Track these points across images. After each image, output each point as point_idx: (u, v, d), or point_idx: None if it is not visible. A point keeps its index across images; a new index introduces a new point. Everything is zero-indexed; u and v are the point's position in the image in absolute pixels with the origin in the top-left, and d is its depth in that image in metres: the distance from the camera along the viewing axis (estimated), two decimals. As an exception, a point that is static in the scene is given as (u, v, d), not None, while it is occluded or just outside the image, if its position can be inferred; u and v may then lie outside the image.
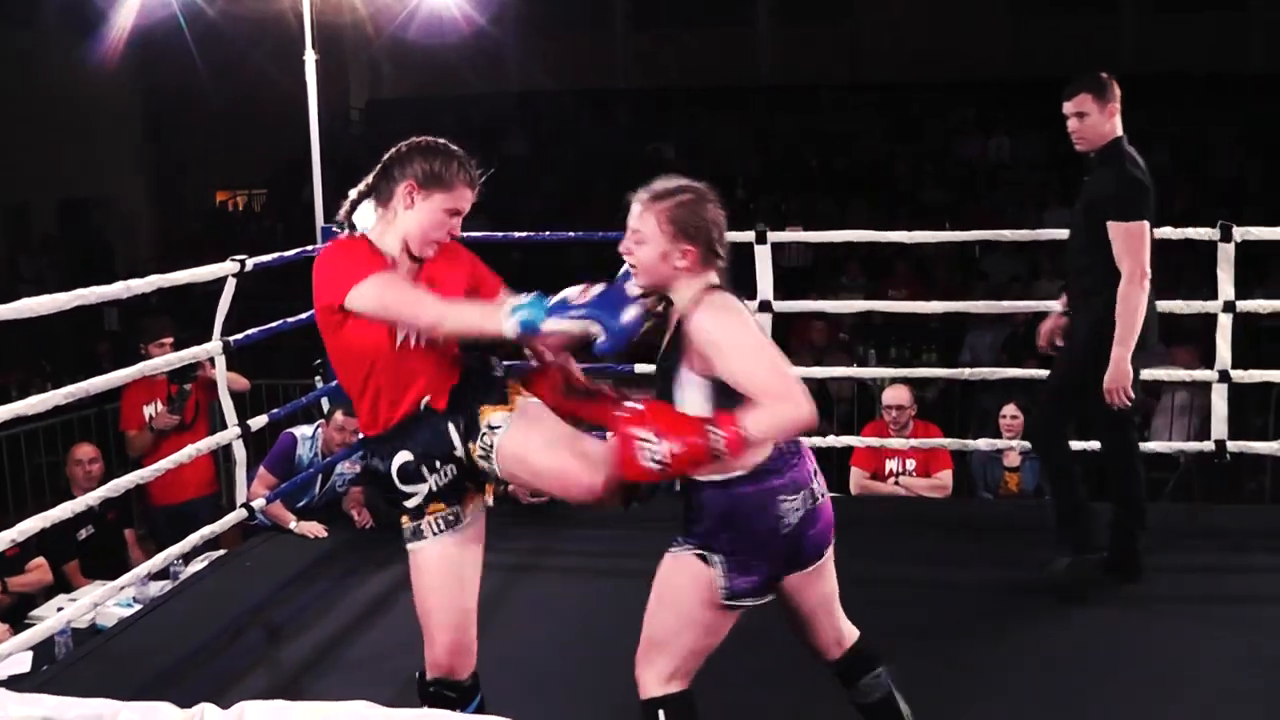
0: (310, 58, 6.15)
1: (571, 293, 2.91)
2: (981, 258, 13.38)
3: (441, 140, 3.21)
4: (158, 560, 4.99)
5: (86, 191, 19.18)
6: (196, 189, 20.87)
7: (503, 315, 2.89)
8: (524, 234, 6.81)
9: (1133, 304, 4.50)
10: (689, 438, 2.77)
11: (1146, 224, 4.52)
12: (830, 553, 3.13)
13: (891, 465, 6.56)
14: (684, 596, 3.04)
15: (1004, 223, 8.20)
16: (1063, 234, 7.10)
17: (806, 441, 3.18)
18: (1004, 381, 6.42)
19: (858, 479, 6.56)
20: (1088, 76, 4.71)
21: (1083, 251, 4.72)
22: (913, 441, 6.26)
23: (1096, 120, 4.64)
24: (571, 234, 6.87)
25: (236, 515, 5.42)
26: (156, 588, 5.31)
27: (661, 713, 3.06)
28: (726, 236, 3.05)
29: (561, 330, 2.90)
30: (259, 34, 13.93)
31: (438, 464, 3.12)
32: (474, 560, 3.26)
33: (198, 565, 5.53)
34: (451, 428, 3.11)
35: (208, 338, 5.35)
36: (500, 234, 6.91)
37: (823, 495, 3.05)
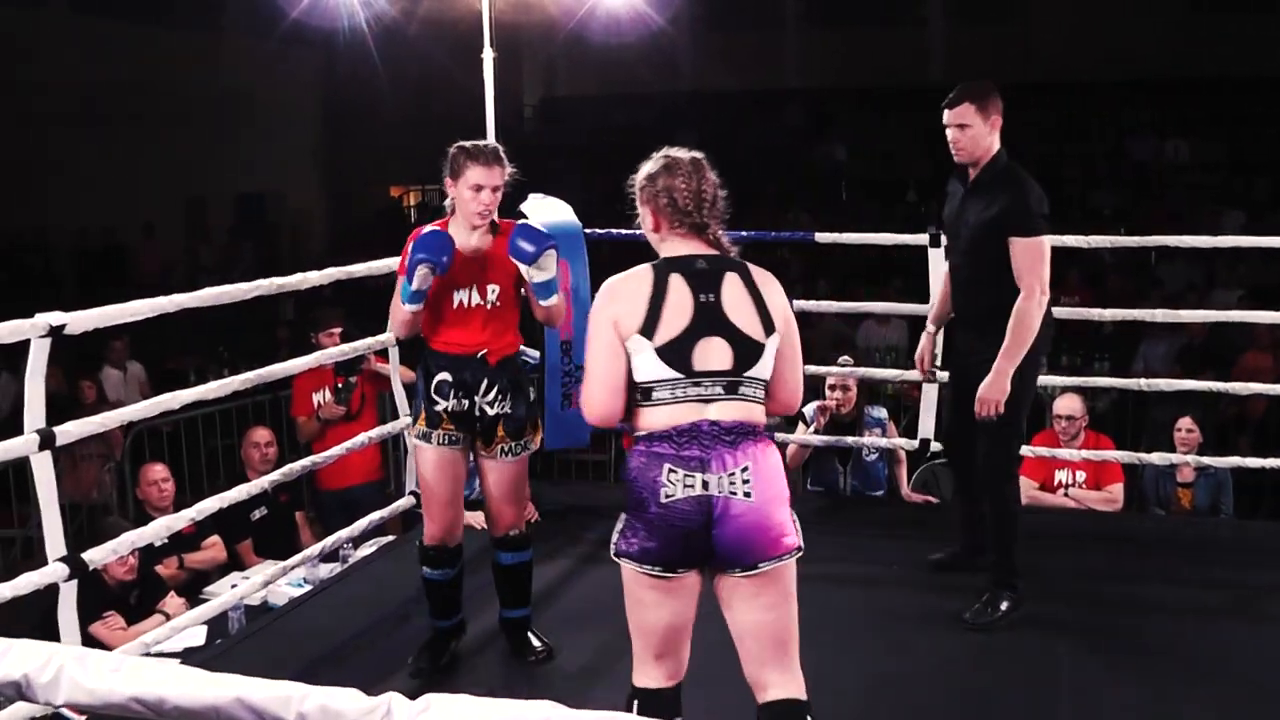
0: (489, 56, 6.23)
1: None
2: (1157, 264, 13.03)
3: (467, 141, 4.12)
4: (328, 543, 5.12)
5: (263, 186, 19.74)
6: (370, 185, 21.32)
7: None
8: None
9: (1028, 321, 4.45)
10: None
11: (1047, 240, 4.50)
12: (771, 582, 3.07)
13: (1061, 476, 6.42)
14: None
15: (1181, 228, 7.89)
16: (1246, 241, 6.89)
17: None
18: (1179, 393, 6.24)
19: (1026, 489, 6.42)
20: (970, 85, 4.56)
21: (975, 271, 4.63)
22: (1084, 453, 6.11)
23: (979, 132, 4.51)
24: (744, 233, 6.84)
25: (405, 501, 5.54)
26: (326, 570, 5.46)
27: (635, 703, 3.16)
28: (690, 205, 3.15)
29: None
30: (436, 32, 14.20)
31: (460, 394, 4.10)
32: (462, 471, 4.22)
33: (367, 550, 5.66)
34: (486, 382, 4.11)
35: (380, 330, 5.46)
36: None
37: (744, 496, 2.96)
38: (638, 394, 3.04)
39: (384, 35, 13.89)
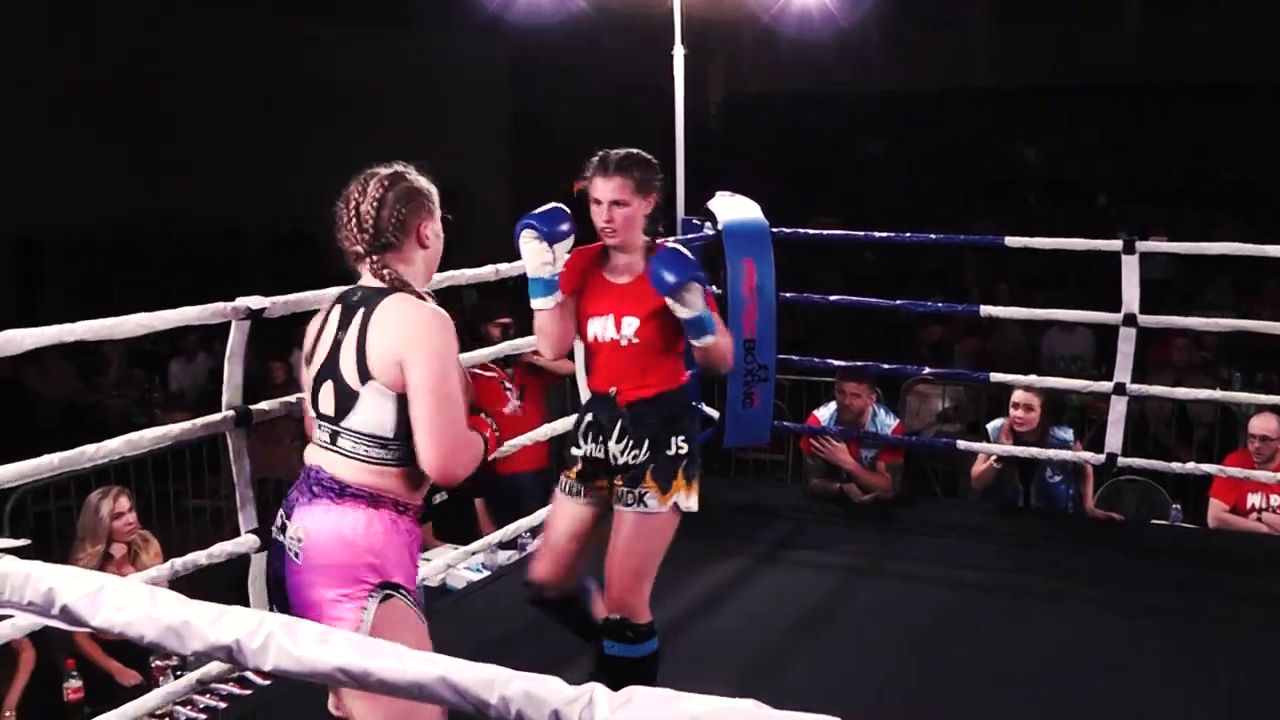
0: (679, 52, 6.25)
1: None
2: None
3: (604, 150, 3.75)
4: (508, 530, 5.20)
5: (452, 180, 20.09)
6: (555, 179, 21.50)
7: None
8: (885, 234, 6.71)
9: None
10: None
11: None
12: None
13: (1254, 500, 6.15)
14: None
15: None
16: None
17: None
18: (1386, 418, 5.95)
19: (1216, 511, 6.20)
20: None
21: None
22: (1280, 475, 5.88)
23: None
24: (932, 235, 6.78)
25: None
26: (504, 556, 5.53)
27: None
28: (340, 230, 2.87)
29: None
30: (625, 25, 14.29)
31: (598, 438, 3.67)
32: (579, 524, 3.75)
33: (544, 539, 5.73)
34: (619, 426, 3.64)
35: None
36: (861, 233, 6.85)
37: (294, 556, 2.69)
38: None
39: (573, 30, 14.05)
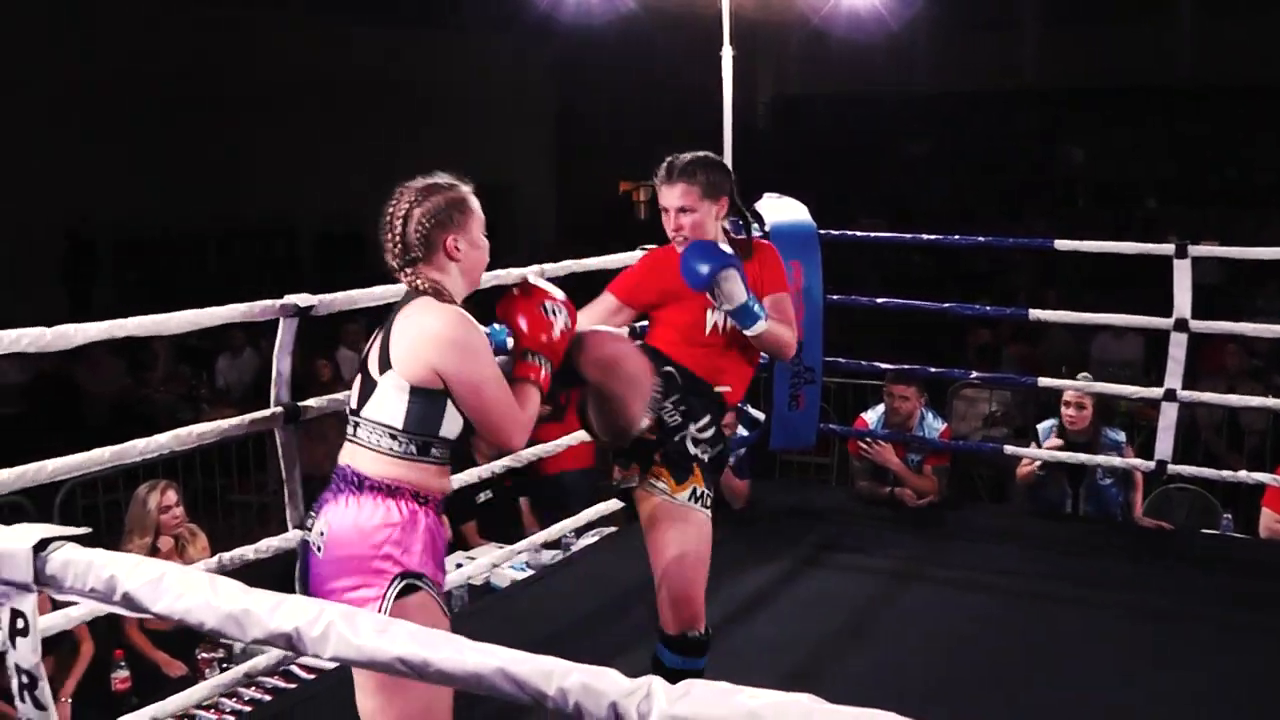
0: (727, 54, 6.24)
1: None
2: None
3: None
4: (553, 530, 5.20)
5: (498, 179, 20.21)
6: (601, 179, 21.55)
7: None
8: (933, 236, 6.67)
9: None
10: None
11: None
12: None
13: (1308, 509, 6.09)
14: None
15: None
16: None
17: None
18: None
19: (1268, 521, 6.12)
20: None
21: None
22: (1339, 485, 5.78)
23: None
24: (980, 238, 6.73)
25: (628, 494, 5.59)
26: (548, 556, 5.55)
27: None
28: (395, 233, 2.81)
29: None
30: (671, 26, 14.31)
31: (672, 408, 3.45)
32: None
33: (589, 539, 5.73)
34: (713, 416, 3.50)
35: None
36: (909, 235, 6.81)
37: (317, 550, 2.71)
38: None
39: (620, 30, 14.08)
